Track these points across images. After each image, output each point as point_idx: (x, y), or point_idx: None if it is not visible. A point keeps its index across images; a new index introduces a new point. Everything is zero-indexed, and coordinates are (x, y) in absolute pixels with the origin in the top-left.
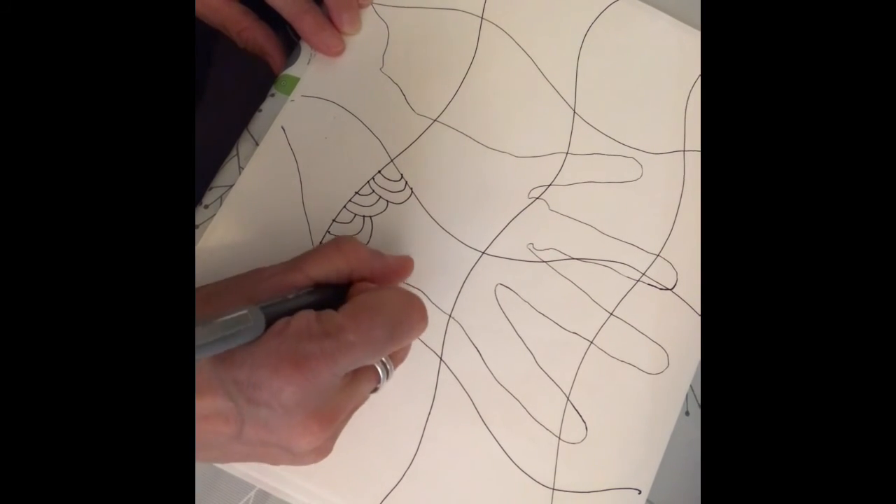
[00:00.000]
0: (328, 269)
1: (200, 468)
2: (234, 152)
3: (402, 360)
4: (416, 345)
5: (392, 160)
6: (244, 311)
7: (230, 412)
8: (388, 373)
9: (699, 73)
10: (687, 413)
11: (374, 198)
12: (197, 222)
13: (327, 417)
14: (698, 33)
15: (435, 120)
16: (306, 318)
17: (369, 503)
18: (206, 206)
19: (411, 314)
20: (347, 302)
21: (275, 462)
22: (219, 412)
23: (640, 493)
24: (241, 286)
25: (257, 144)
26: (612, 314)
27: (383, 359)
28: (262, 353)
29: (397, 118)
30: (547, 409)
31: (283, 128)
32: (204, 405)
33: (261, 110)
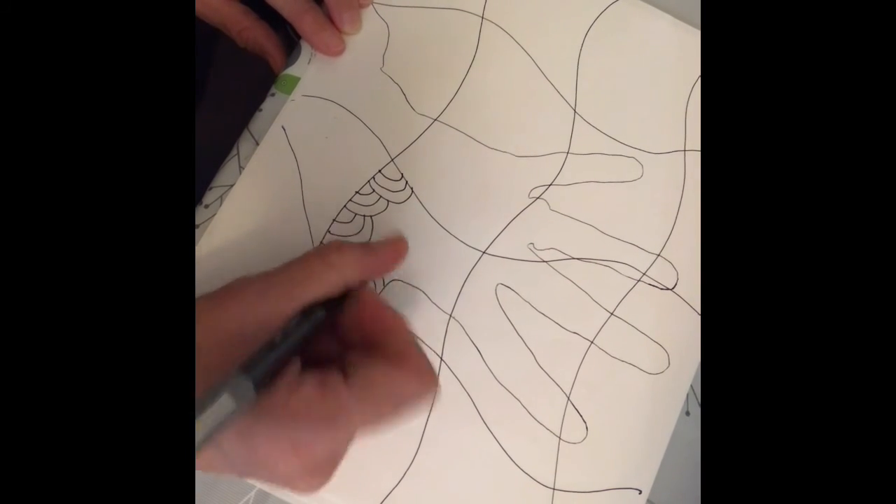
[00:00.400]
0: (319, 289)
1: None
2: (234, 152)
3: None
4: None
5: (392, 160)
6: (225, 395)
7: (230, 467)
8: None
9: (699, 72)
10: (687, 413)
11: (374, 197)
12: (197, 222)
13: (329, 468)
14: (698, 33)
15: (435, 119)
16: (310, 390)
17: (370, 503)
18: (207, 206)
19: (421, 397)
20: (358, 376)
21: None
22: (218, 465)
23: (640, 492)
24: (225, 310)
25: (258, 144)
26: (612, 314)
27: None
28: (265, 431)
29: (398, 118)
30: (547, 409)
31: (283, 127)
32: (206, 457)
33: (261, 110)
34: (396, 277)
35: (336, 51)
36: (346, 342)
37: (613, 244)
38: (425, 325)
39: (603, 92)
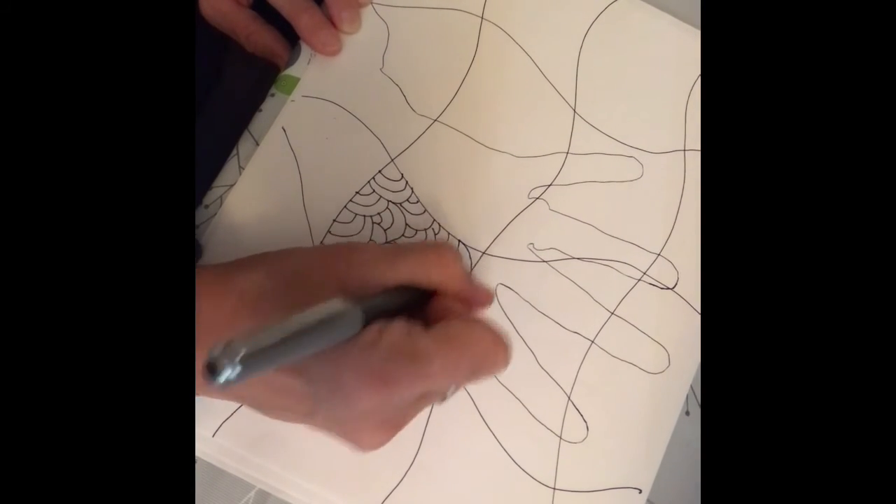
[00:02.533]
0: (422, 275)
1: (200, 468)
2: (234, 152)
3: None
4: None
5: (393, 160)
6: (343, 308)
7: (305, 395)
8: (455, 391)
9: (699, 72)
10: (687, 413)
11: (374, 197)
12: (197, 222)
13: (395, 425)
14: (698, 33)
15: (435, 120)
16: (398, 333)
17: (371, 503)
18: (207, 206)
19: (497, 355)
20: (439, 327)
21: (331, 437)
22: (294, 391)
23: (640, 492)
24: (330, 267)
25: (258, 144)
26: (613, 313)
27: None
28: (352, 360)
29: (397, 118)
30: (548, 409)
31: (283, 128)
32: (283, 380)
33: (261, 110)
34: None
35: (333, 50)
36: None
37: (613, 244)
38: None
39: (603, 92)
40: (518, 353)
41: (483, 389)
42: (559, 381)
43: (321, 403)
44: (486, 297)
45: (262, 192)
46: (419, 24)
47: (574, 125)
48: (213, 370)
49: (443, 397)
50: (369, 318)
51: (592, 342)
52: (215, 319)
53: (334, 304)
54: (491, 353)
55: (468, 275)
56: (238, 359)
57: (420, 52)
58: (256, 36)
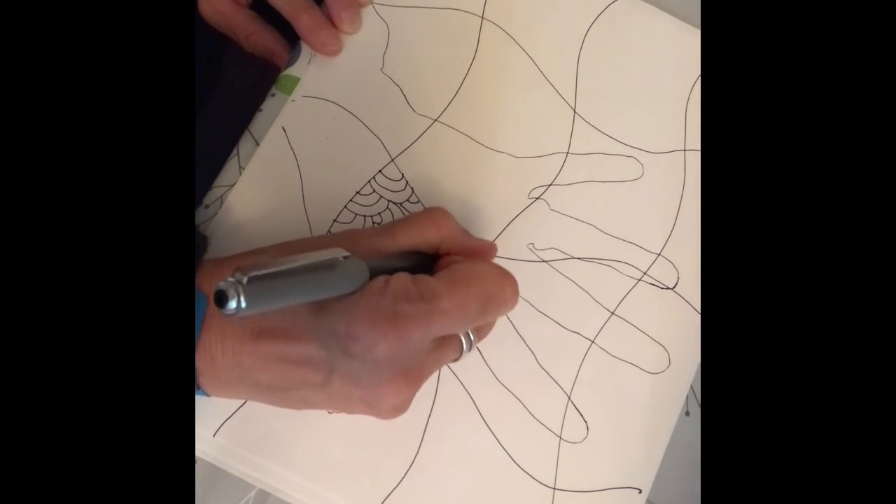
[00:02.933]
0: (419, 238)
1: (200, 468)
2: (234, 152)
3: (485, 335)
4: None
5: (393, 160)
6: (345, 254)
7: (321, 361)
8: (471, 344)
9: (699, 72)
10: (687, 413)
11: (374, 197)
12: (198, 222)
13: (414, 377)
14: (698, 33)
15: (435, 120)
16: (404, 279)
17: (371, 503)
18: (207, 206)
19: (504, 289)
20: (443, 270)
21: (352, 412)
22: (311, 359)
23: (640, 492)
24: (337, 244)
25: (258, 144)
26: (613, 313)
27: (469, 331)
28: (362, 308)
29: (398, 118)
30: (548, 409)
31: (283, 128)
32: (298, 350)
33: (261, 110)
34: None
35: (332, 50)
36: None
37: (614, 244)
38: None
39: (603, 92)
40: (518, 352)
41: (483, 389)
42: (559, 381)
43: (336, 362)
44: (489, 248)
45: (262, 192)
46: (420, 24)
47: (574, 125)
48: (221, 299)
49: (458, 352)
50: (374, 275)
51: (592, 342)
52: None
53: (337, 251)
54: (498, 287)
55: (465, 232)
56: (245, 280)
57: (420, 52)
58: (256, 36)
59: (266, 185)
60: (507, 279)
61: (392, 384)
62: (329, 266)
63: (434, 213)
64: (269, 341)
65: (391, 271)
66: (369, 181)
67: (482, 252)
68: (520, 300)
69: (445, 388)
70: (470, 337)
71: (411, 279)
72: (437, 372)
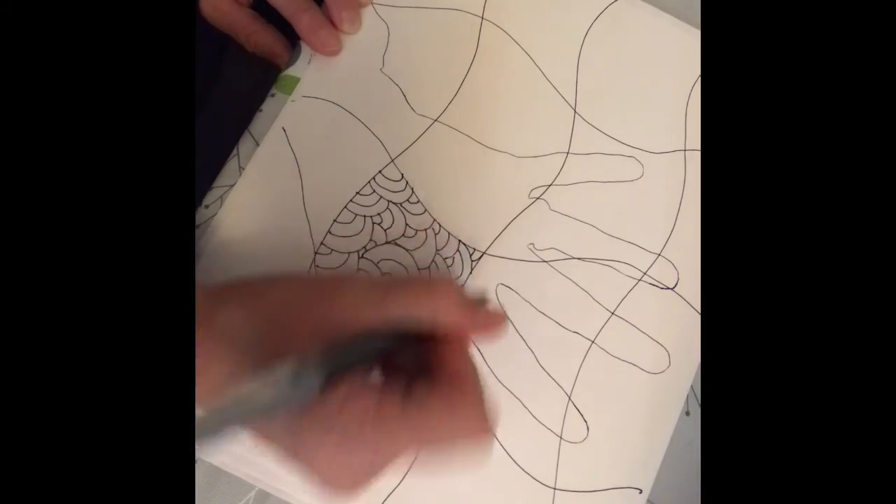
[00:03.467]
0: (410, 314)
1: (200, 468)
2: (234, 152)
3: None
4: None
5: (393, 160)
6: (295, 377)
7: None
8: None
9: (699, 72)
10: (687, 413)
11: (374, 198)
12: (197, 222)
13: (359, 483)
14: (698, 33)
15: (435, 120)
16: (365, 401)
17: (371, 503)
18: (207, 206)
19: (475, 443)
20: (415, 398)
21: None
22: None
23: (640, 492)
24: (312, 308)
25: (258, 145)
26: (613, 314)
27: None
28: (310, 426)
29: (398, 118)
30: (548, 409)
31: (283, 128)
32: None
33: (261, 110)
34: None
35: (332, 50)
36: (416, 368)
37: (614, 244)
38: None
39: (603, 91)
40: (518, 352)
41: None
42: (559, 381)
43: (286, 460)
44: (494, 327)
45: (262, 192)
46: (419, 24)
47: (574, 125)
48: None
49: None
50: (344, 367)
51: (593, 342)
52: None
53: (284, 372)
54: (468, 437)
55: (468, 306)
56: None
57: (420, 53)
58: (256, 36)
59: (266, 186)
60: (483, 435)
61: (336, 484)
62: (273, 400)
63: (434, 285)
64: None
65: (369, 352)
66: (369, 181)
67: (483, 329)
68: (520, 300)
69: None
70: None
71: (375, 398)
72: None
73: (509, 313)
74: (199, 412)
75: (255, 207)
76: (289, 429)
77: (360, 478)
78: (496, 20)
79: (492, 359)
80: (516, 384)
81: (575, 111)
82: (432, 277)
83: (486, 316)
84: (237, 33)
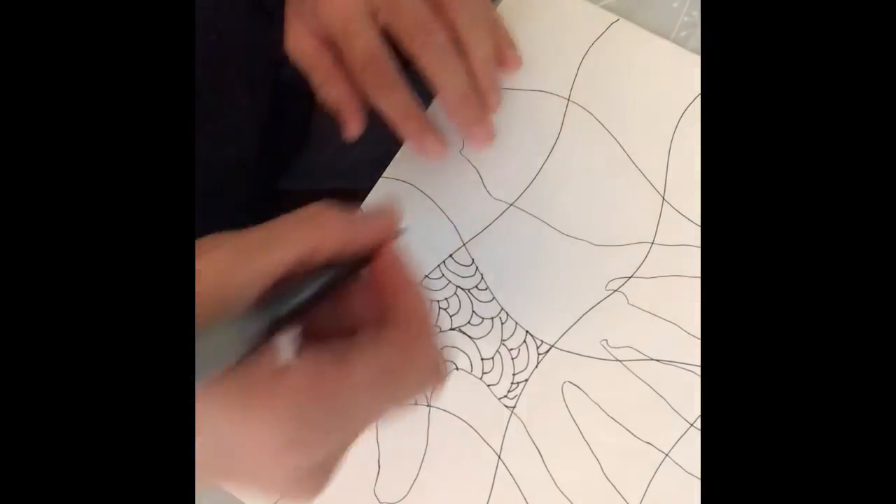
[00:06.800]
0: (300, 248)
1: None
2: None
3: None
4: (474, 439)
5: (464, 244)
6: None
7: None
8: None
9: None
10: None
11: (443, 282)
12: None
13: (322, 477)
14: None
15: (511, 204)
16: (303, 377)
17: None
18: None
19: (425, 390)
20: (361, 362)
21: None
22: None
23: None
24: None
25: None
26: (692, 425)
27: None
28: (253, 427)
29: (473, 201)
30: None
31: (361, 208)
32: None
33: None
34: (458, 366)
35: (437, 156)
36: (354, 320)
37: (698, 346)
38: (484, 418)
39: (696, 180)
40: (583, 459)
41: (540, 495)
42: (626, 496)
43: (226, 479)
44: (388, 221)
45: None
46: (503, 105)
47: (662, 213)
48: None
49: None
50: (267, 331)
51: (667, 455)
52: None
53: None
54: (420, 388)
55: (348, 213)
56: None
57: (501, 134)
58: (329, 87)
59: None
60: (435, 382)
61: (298, 491)
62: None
63: (303, 210)
64: None
65: (306, 293)
66: (439, 265)
67: (382, 229)
68: (588, 401)
69: (500, 489)
70: None
71: (312, 371)
72: (492, 470)
73: (575, 415)
74: None
75: None
76: (227, 438)
77: (321, 469)
78: (583, 102)
79: (552, 464)
80: (577, 494)
81: (663, 198)
82: (311, 208)
83: (374, 216)
84: (314, 78)
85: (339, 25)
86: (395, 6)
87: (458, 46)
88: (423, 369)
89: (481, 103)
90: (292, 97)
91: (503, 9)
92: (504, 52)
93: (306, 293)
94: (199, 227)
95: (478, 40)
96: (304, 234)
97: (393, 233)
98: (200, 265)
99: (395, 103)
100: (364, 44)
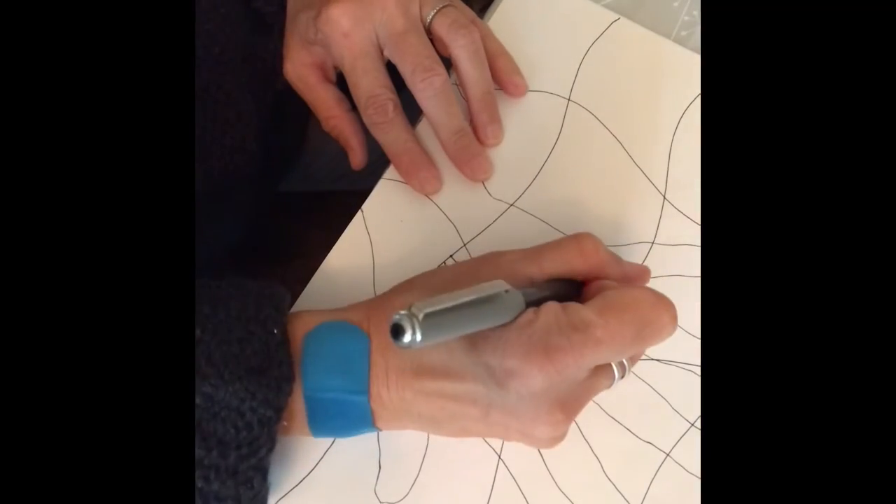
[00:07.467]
0: (564, 267)
1: None
2: None
3: (637, 359)
4: (474, 438)
5: (465, 245)
6: (506, 289)
7: (479, 396)
8: (624, 372)
9: None
10: None
11: None
12: None
13: (569, 408)
14: None
15: (511, 205)
16: (554, 310)
17: None
18: None
19: (661, 315)
20: (597, 297)
21: (510, 440)
22: (468, 395)
23: None
24: (477, 274)
25: None
26: (692, 425)
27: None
28: (515, 342)
29: (473, 202)
30: None
31: (361, 210)
32: (456, 387)
33: None
34: None
35: (432, 191)
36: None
37: (698, 346)
38: None
39: (697, 178)
40: (583, 458)
41: (540, 494)
42: (626, 496)
43: (493, 397)
44: (641, 273)
45: (335, 274)
46: (502, 107)
47: (663, 213)
48: (397, 332)
49: (611, 380)
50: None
51: (668, 455)
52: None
53: (498, 283)
54: (654, 313)
55: (614, 259)
56: (421, 316)
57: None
58: (335, 121)
59: (340, 268)
60: (664, 304)
61: (549, 416)
62: (492, 300)
63: (582, 242)
64: (429, 379)
65: (538, 301)
66: (440, 266)
67: (634, 279)
68: (589, 402)
69: (500, 488)
70: (624, 364)
71: (562, 309)
72: (492, 469)
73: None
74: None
75: (328, 290)
76: (493, 357)
77: (572, 395)
78: (584, 102)
79: (553, 463)
80: (577, 493)
81: (664, 198)
82: (578, 234)
83: (631, 267)
84: (317, 111)
85: (349, 62)
86: (400, 46)
87: (459, 80)
88: (647, 293)
89: (481, 136)
90: (290, 102)
91: (504, 8)
92: (510, 79)
93: (547, 292)
94: (205, 231)
95: (478, 77)
96: (579, 263)
97: (647, 280)
98: (500, 259)
99: (392, 139)
100: (370, 82)
